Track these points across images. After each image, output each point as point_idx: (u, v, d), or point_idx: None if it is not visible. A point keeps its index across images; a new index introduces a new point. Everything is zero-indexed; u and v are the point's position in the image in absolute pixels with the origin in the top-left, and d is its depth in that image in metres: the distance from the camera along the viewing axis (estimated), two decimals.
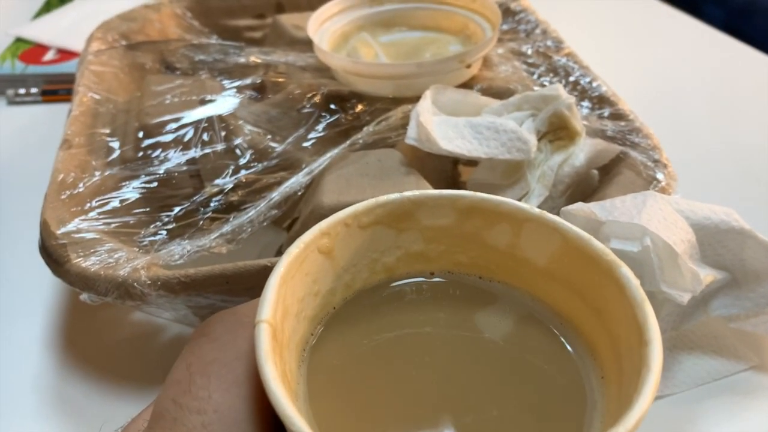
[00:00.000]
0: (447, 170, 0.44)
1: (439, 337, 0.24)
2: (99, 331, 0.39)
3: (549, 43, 0.50)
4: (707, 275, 0.34)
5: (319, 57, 0.46)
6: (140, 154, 0.41)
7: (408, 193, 0.24)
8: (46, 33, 0.67)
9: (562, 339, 0.23)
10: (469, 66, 0.45)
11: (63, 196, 0.37)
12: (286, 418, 0.17)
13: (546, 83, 0.48)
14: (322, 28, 0.50)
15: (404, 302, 0.25)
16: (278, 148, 0.41)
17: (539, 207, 0.24)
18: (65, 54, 0.64)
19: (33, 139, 0.57)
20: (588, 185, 0.42)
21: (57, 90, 0.61)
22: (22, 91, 0.61)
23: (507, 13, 0.57)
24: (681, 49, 0.71)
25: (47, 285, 0.41)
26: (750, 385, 0.37)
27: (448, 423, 0.21)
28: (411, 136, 0.39)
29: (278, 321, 0.20)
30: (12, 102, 0.61)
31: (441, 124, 0.40)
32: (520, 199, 0.40)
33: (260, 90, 0.49)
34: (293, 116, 0.44)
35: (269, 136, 0.42)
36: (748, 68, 0.67)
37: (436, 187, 0.39)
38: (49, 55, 0.64)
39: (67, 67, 0.62)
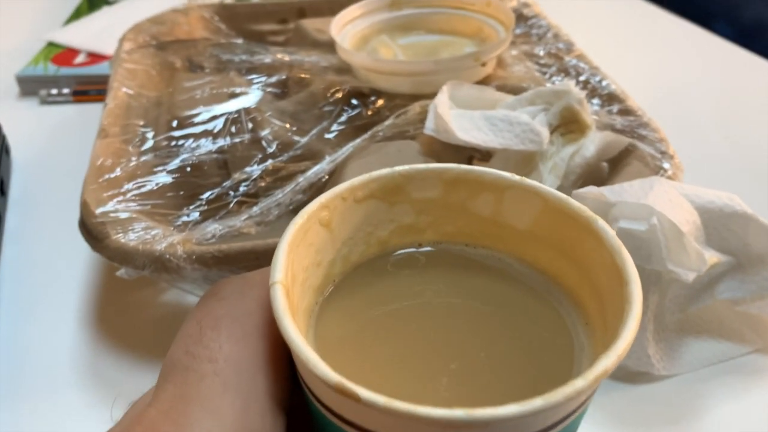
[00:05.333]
0: (462, 163, 0.46)
1: (430, 303, 0.26)
2: (131, 310, 0.41)
3: (560, 45, 0.53)
4: (712, 257, 0.36)
5: (340, 55, 0.49)
6: (173, 143, 0.43)
7: (399, 168, 0.26)
8: (77, 37, 0.70)
9: (547, 295, 0.25)
10: (484, 64, 0.47)
11: (101, 180, 0.39)
12: (312, 364, 0.18)
13: (557, 81, 0.50)
14: (344, 30, 0.52)
15: (398, 273, 0.27)
16: (302, 140, 0.43)
17: None
18: (95, 57, 0.67)
19: (65, 136, 0.60)
20: (598, 176, 0.43)
21: (88, 90, 0.64)
22: (54, 91, 0.64)
23: (520, 18, 0.59)
24: (689, 56, 0.74)
25: (83, 265, 0.44)
26: (754, 367, 0.38)
27: (441, 370, 0.22)
28: (429, 127, 0.41)
29: (289, 284, 0.22)
30: (44, 102, 0.63)
31: (458, 117, 0.42)
32: None
33: (284, 88, 0.52)
34: (316, 112, 0.47)
35: (294, 128, 0.44)
36: (754, 75, 0.69)
37: None
38: (80, 58, 0.67)
39: (97, 69, 0.65)
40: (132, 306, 0.42)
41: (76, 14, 0.78)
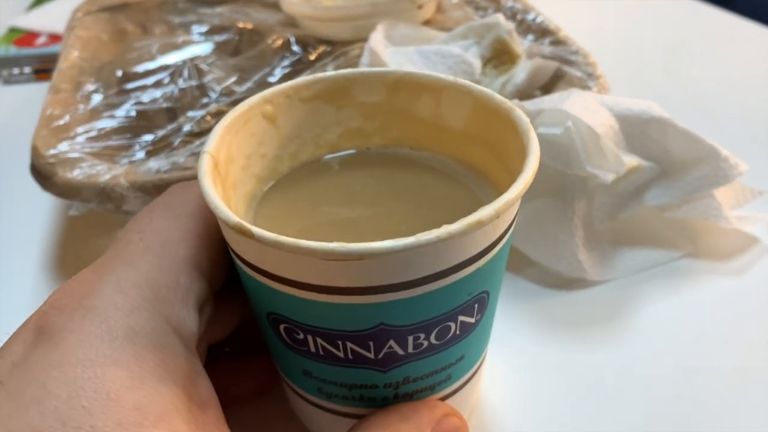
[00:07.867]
0: None
1: (370, 187, 0.28)
2: (93, 256, 0.43)
3: None
4: (631, 160, 0.37)
5: (283, 8, 0.50)
6: (121, 95, 0.45)
7: (343, 71, 0.28)
8: (39, 21, 0.72)
9: (471, 184, 0.27)
10: (420, 7, 0.49)
11: (51, 126, 0.41)
12: (217, 208, 0.20)
13: None
14: None
15: (343, 167, 0.29)
16: (246, 85, 0.45)
17: None
18: (56, 38, 0.69)
19: (28, 114, 0.61)
20: None
21: (49, 69, 0.65)
22: (16, 71, 0.65)
23: None
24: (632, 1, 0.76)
25: (45, 222, 0.45)
26: (684, 270, 0.40)
27: (355, 228, 0.25)
28: (364, 63, 0.43)
29: (221, 159, 0.24)
30: (7, 81, 0.65)
31: (393, 54, 0.44)
32: None
33: (236, 47, 0.53)
34: (261, 62, 0.48)
35: (237, 75, 0.46)
36: (695, 19, 0.71)
37: None
38: (42, 40, 0.69)
39: (59, 48, 0.67)
40: (93, 252, 0.43)
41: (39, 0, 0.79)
